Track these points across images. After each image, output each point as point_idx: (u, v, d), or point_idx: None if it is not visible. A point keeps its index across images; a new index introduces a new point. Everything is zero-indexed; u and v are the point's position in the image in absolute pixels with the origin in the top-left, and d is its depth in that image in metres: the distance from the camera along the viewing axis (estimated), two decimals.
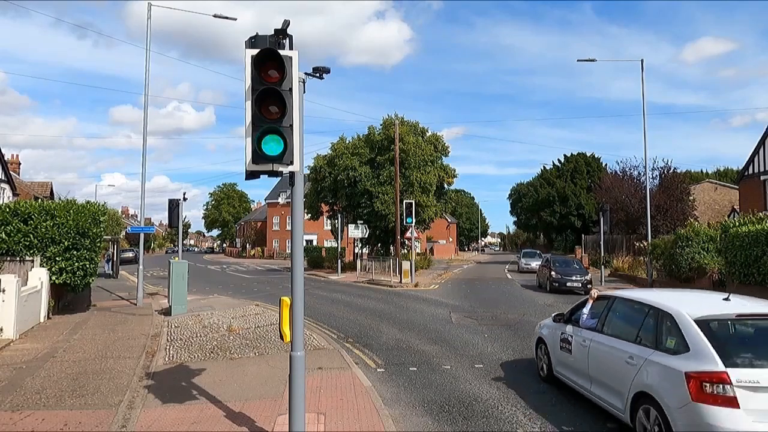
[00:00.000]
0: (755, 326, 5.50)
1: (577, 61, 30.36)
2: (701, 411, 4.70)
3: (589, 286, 20.76)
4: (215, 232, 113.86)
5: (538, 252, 42.07)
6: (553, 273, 22.70)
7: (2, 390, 7.44)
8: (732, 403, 4.63)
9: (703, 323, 5.23)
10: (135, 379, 8.01)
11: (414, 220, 27.17)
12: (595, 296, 7.47)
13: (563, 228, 58.91)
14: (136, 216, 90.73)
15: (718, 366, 4.77)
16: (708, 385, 4.74)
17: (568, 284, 22.20)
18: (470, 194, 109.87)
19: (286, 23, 5.00)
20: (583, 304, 7.58)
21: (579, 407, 6.92)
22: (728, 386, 4.66)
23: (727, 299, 5.83)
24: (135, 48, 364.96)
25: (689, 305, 5.70)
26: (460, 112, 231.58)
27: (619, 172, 39.39)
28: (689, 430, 4.78)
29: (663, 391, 5.15)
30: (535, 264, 34.28)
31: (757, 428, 4.54)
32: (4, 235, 13.51)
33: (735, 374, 4.69)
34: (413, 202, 27.59)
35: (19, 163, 41.25)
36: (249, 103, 4.87)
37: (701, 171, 64.64)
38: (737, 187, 33.90)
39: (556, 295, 21.30)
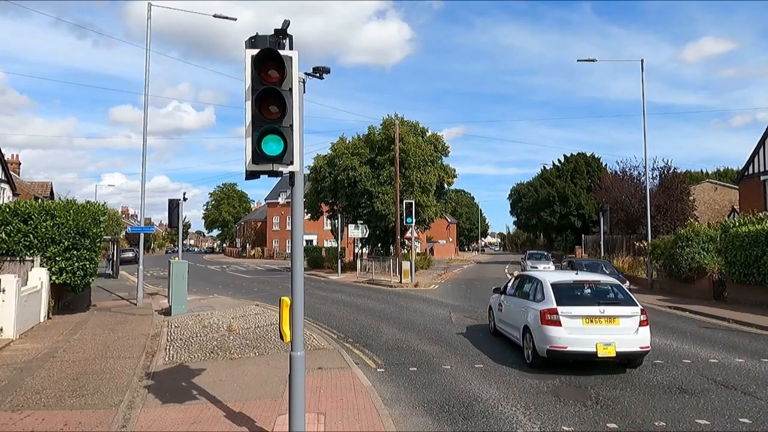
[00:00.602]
0: (581, 286, 9.46)
1: (577, 61, 30.40)
2: (545, 329, 8.67)
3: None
4: (215, 232, 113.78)
5: (545, 253, 37.70)
6: None
7: (2, 390, 7.44)
8: (558, 324, 8.58)
9: (554, 285, 9.22)
10: (135, 379, 8.01)
11: (414, 220, 27.16)
12: (516, 274, 11.61)
13: (563, 228, 58.87)
14: (136, 216, 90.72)
15: (554, 305, 8.78)
16: (548, 315, 8.71)
17: None
18: (470, 194, 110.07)
19: (286, 23, 5.00)
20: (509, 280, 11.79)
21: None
22: (557, 315, 8.63)
23: (576, 274, 10.46)
24: (135, 48, 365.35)
25: (552, 276, 9.81)
26: (460, 112, 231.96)
27: (619, 172, 39.27)
28: (540, 338, 8.74)
29: (532, 322, 9.12)
30: (543, 267, 31.36)
31: (569, 336, 8.46)
32: (4, 235, 13.51)
33: (561, 309, 8.67)
34: (413, 202, 27.58)
35: (19, 163, 41.25)
36: (249, 103, 4.87)
37: (701, 171, 64.75)
38: (737, 187, 33.88)
39: None
